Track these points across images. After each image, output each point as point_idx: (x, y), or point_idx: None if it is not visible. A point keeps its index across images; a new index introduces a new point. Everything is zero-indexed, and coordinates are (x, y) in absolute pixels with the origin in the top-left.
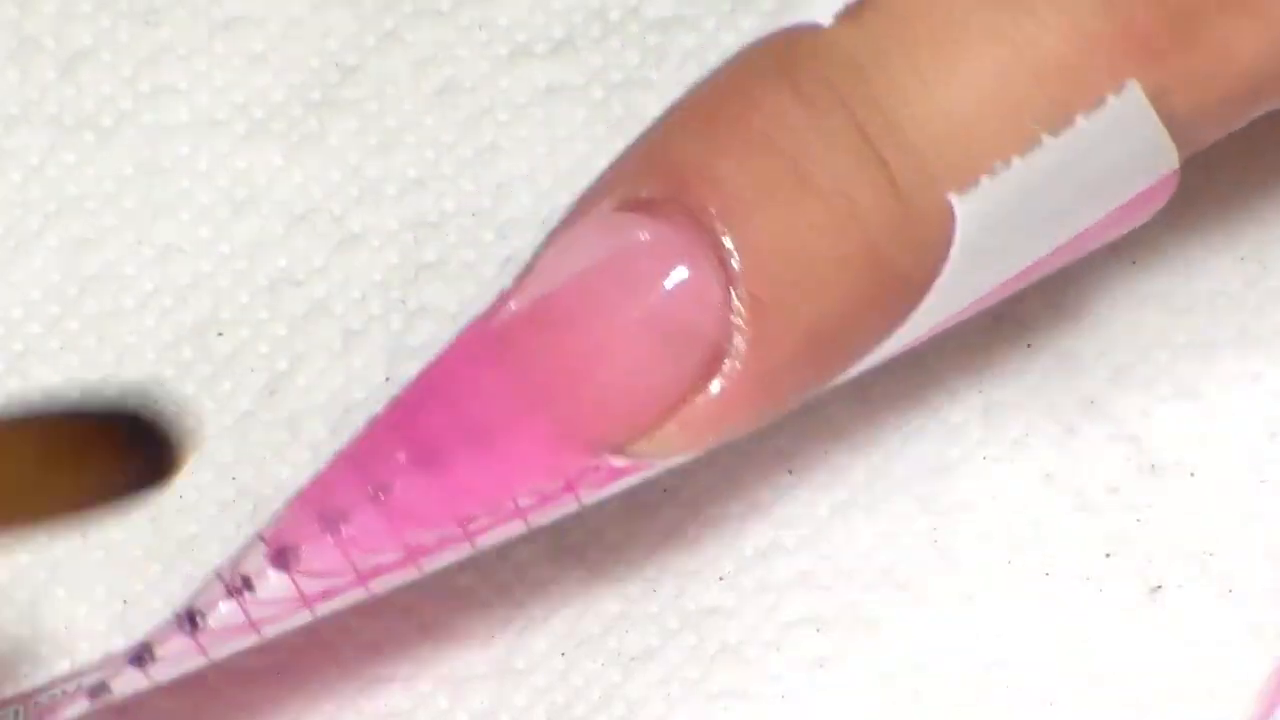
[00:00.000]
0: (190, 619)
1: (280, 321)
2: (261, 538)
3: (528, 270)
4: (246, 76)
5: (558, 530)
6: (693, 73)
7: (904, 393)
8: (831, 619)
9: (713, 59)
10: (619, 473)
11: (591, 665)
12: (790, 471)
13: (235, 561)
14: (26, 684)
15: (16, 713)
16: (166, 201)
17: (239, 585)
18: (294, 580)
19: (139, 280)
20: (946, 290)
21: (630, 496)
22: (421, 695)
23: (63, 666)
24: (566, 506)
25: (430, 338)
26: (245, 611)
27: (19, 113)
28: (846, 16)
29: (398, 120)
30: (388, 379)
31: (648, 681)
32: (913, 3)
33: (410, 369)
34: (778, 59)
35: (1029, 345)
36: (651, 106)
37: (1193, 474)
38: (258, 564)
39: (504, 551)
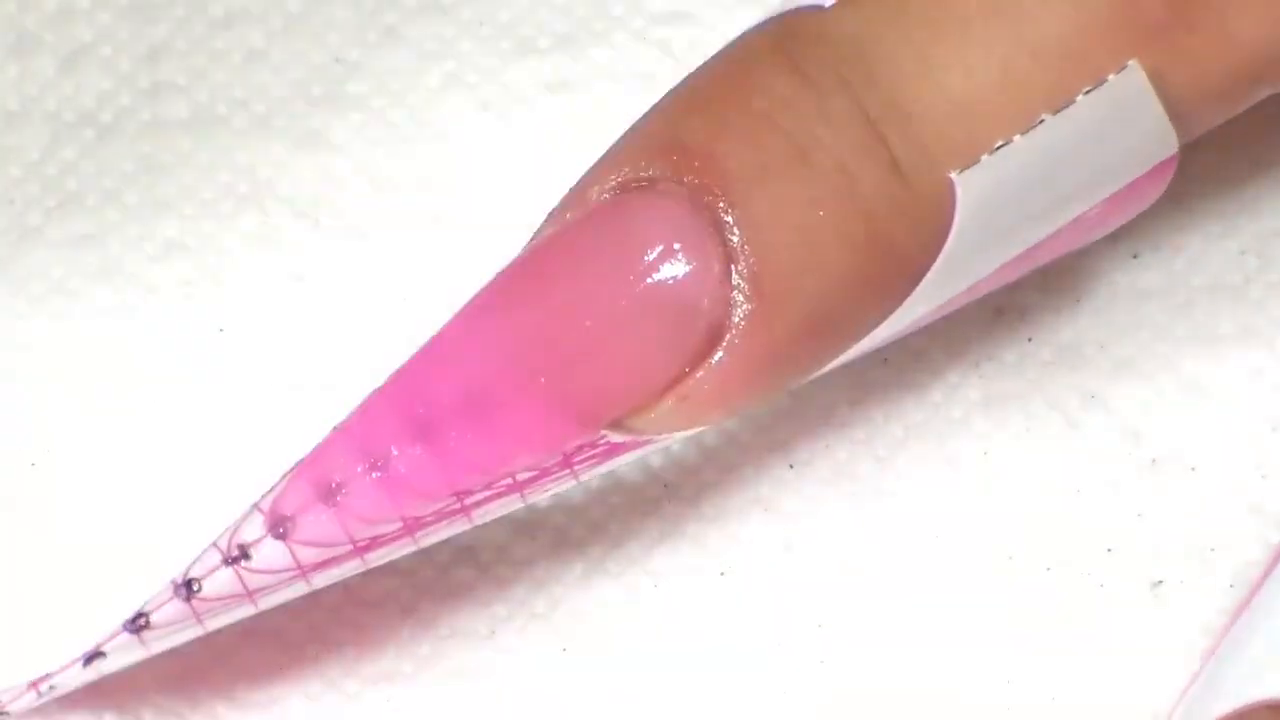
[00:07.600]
0: (187, 586)
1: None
2: (259, 508)
3: (527, 249)
4: (247, 72)
5: (559, 525)
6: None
7: (905, 387)
8: (833, 615)
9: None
10: (616, 449)
11: (593, 661)
12: (791, 466)
13: (232, 531)
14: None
15: None
16: (168, 198)
17: (235, 554)
18: (290, 550)
19: (140, 277)
20: (945, 270)
21: (631, 492)
22: (423, 691)
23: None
24: (564, 482)
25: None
26: (242, 580)
27: (19, 108)
28: None
29: (400, 115)
30: None
31: (650, 678)
32: None
33: None
34: (779, 40)
35: (1030, 339)
36: (656, 101)
37: (1194, 469)
38: (255, 533)
39: (504, 547)
